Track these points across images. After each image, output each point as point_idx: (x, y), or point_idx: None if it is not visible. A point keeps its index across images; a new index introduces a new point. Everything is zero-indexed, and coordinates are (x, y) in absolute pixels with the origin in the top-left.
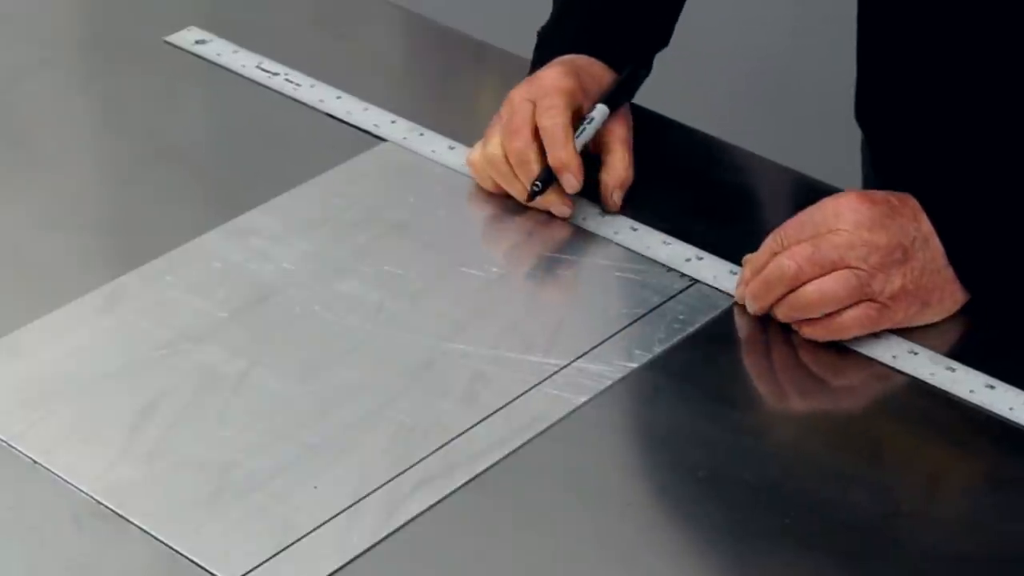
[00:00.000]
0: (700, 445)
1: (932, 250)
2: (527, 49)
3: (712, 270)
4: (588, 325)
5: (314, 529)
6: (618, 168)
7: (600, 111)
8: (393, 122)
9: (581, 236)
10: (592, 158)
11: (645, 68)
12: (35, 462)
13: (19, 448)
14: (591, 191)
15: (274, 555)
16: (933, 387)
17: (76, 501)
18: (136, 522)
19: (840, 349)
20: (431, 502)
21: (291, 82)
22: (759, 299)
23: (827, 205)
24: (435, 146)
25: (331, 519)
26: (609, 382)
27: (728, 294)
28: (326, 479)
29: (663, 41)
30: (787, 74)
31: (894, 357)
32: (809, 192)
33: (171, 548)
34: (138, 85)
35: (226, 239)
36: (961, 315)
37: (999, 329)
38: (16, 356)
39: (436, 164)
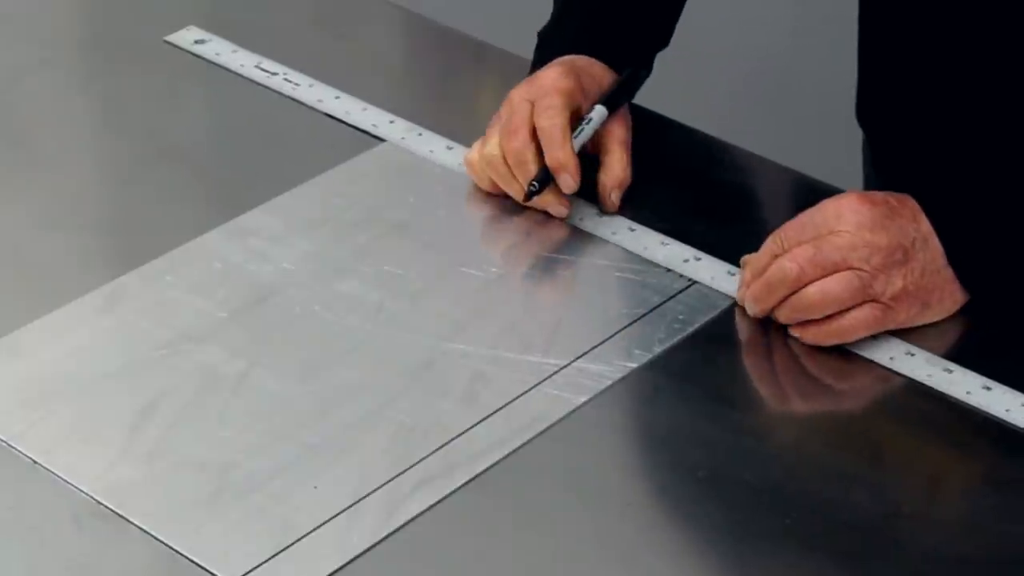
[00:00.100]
0: (700, 445)
1: (932, 251)
2: (527, 49)
3: (710, 271)
4: (588, 325)
5: (314, 529)
6: (616, 169)
7: (599, 112)
8: (392, 122)
9: (580, 236)
10: (591, 159)
11: (646, 69)
12: (35, 462)
13: (19, 448)
14: (589, 191)
15: (274, 555)
16: (930, 388)
17: (76, 501)
18: (136, 522)
19: (839, 350)
20: (431, 502)
21: (290, 82)
22: (760, 302)
23: (827, 206)
24: (433, 146)
25: (331, 519)
26: (609, 382)
27: (726, 295)
28: (326, 479)
29: (663, 41)
30: (788, 74)
31: (891, 359)
32: (809, 192)
33: (171, 548)
34: (138, 85)
35: (226, 239)
36: (959, 315)
37: (997, 329)
38: (16, 356)
39: (436, 164)
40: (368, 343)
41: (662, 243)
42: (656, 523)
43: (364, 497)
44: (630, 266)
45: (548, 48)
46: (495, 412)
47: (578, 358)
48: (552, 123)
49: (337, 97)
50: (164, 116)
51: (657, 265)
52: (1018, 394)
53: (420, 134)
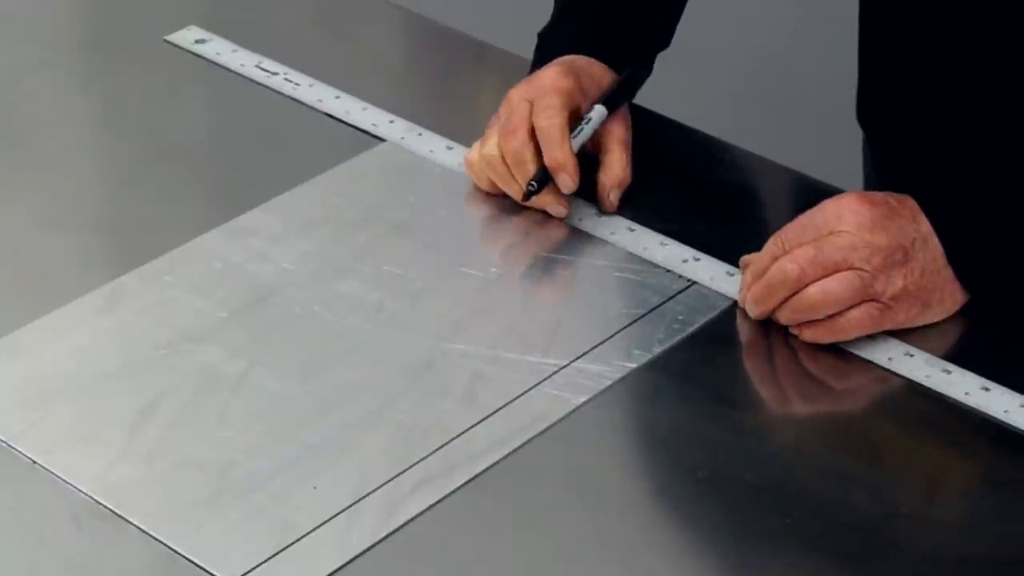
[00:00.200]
0: (700, 446)
1: (932, 251)
2: (527, 49)
3: (709, 271)
4: (588, 325)
5: (314, 529)
6: (615, 168)
7: (598, 112)
8: (391, 122)
9: (580, 236)
10: (591, 159)
11: (646, 69)
12: (35, 462)
13: (19, 448)
14: (589, 191)
15: (274, 555)
16: (929, 389)
17: (76, 501)
18: (135, 522)
19: (838, 351)
20: (431, 502)
21: (290, 82)
22: (761, 303)
23: (827, 207)
24: (433, 146)
25: (331, 519)
26: (609, 382)
27: (725, 295)
28: (326, 479)
29: (664, 42)
30: (788, 74)
31: (890, 359)
32: (809, 192)
33: (170, 548)
34: (138, 85)
35: (226, 239)
36: (958, 316)
37: (996, 330)
38: (16, 356)
39: (436, 164)
40: (368, 343)
41: (661, 243)
42: (656, 523)
43: (364, 497)
44: (629, 266)
45: (548, 48)
46: (495, 412)
47: (578, 358)
48: (550, 123)
49: (337, 97)
50: (164, 116)
51: (656, 265)
52: (1016, 395)
53: (420, 134)
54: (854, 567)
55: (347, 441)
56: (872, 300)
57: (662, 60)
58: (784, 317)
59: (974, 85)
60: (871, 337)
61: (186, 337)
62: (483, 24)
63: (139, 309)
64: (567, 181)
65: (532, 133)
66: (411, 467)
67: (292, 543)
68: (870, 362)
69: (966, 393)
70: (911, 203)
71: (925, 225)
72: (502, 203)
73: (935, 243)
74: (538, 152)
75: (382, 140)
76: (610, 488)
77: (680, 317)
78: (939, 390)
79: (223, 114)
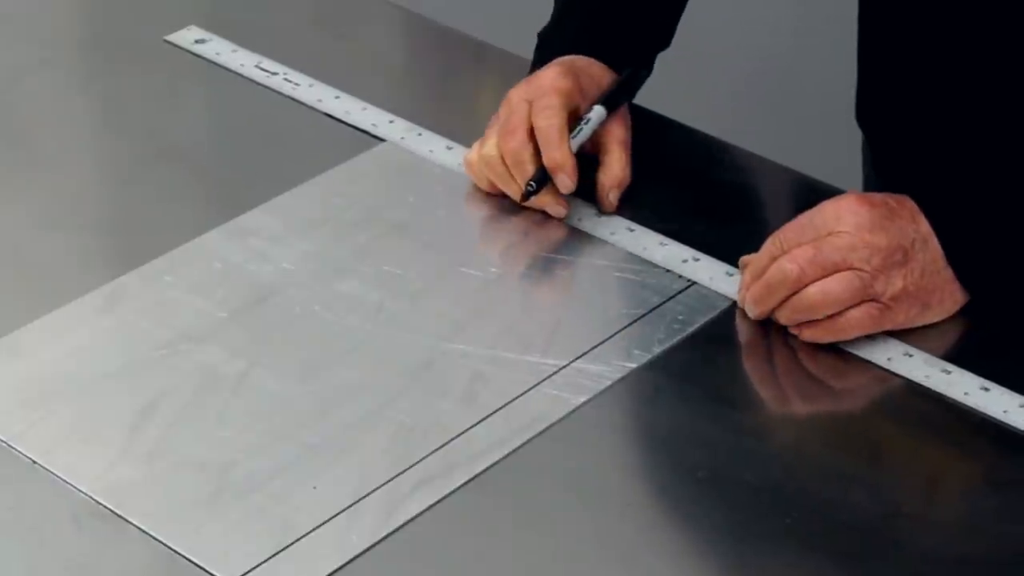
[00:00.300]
0: (700, 446)
1: (931, 251)
2: (527, 49)
3: (709, 271)
4: (587, 325)
5: (314, 529)
6: (614, 168)
7: (597, 112)
8: (391, 122)
9: (579, 237)
10: (590, 159)
11: (646, 69)
12: (35, 462)
13: (19, 448)
14: (588, 191)
15: (274, 555)
16: (929, 389)
17: (76, 501)
18: (135, 522)
19: (837, 351)
20: (431, 502)
21: (290, 82)
22: (761, 303)
23: (827, 208)
24: (433, 146)
25: (331, 519)
26: (608, 382)
27: (724, 296)
28: (326, 479)
29: (664, 42)
30: (788, 75)
31: (889, 359)
32: (809, 192)
33: (170, 548)
34: (138, 85)
35: (226, 239)
36: (958, 316)
37: (996, 330)
38: (16, 356)
39: (436, 164)
40: (368, 343)
41: (661, 243)
42: (656, 523)
43: (364, 497)
44: (629, 266)
45: (548, 48)
46: (495, 412)
47: (577, 358)
48: (549, 123)
49: (337, 97)
50: (164, 116)
51: (656, 265)
52: (1016, 395)
53: (420, 134)
54: (854, 567)
55: (347, 441)
56: (872, 300)
57: (662, 60)
58: (784, 317)
59: (974, 85)
60: (871, 337)
61: (186, 337)
62: (483, 24)
63: (139, 309)
64: (566, 181)
65: (531, 133)
66: (411, 467)
67: (292, 543)
68: (869, 362)
69: (966, 393)
70: (910, 204)
71: (925, 226)
72: (502, 203)
73: (935, 243)
74: (537, 152)
75: (382, 140)
76: (610, 488)
77: (680, 317)
78: (939, 390)
79: (223, 114)
